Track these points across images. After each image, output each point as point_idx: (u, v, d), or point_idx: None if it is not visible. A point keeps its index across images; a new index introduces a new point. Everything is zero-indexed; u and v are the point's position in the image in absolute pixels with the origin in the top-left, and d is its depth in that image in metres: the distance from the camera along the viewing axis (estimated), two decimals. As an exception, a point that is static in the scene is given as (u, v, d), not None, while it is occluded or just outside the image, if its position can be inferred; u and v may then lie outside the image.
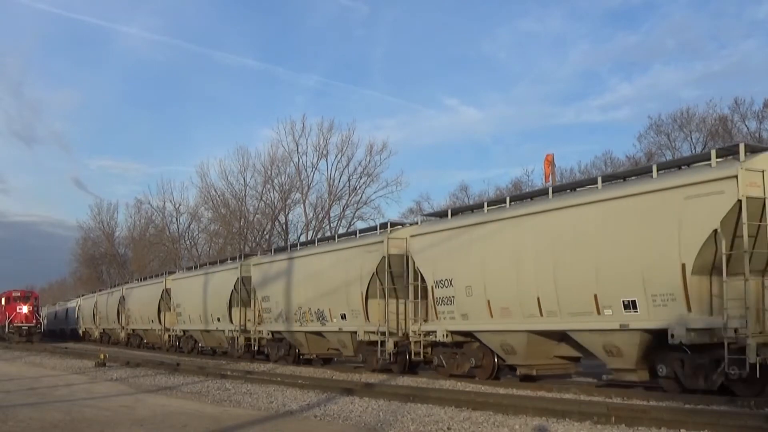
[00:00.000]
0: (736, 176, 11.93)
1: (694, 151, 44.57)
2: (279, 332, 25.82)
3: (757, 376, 11.75)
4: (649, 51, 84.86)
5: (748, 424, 9.14)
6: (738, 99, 44.69)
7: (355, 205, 58.85)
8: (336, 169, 58.47)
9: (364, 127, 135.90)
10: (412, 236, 19.40)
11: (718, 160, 12.78)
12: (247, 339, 28.06)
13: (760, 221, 12.11)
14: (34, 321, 48.59)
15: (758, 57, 72.48)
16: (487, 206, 17.63)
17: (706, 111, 46.27)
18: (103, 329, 50.93)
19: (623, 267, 13.56)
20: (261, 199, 61.44)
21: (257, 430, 10.10)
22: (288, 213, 61.16)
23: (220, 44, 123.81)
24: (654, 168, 13.93)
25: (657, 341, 13.34)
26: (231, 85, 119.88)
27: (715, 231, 12.18)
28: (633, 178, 14.52)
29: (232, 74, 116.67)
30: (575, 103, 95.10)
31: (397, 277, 19.84)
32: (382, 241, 19.98)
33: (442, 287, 17.96)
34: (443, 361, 18.61)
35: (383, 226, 21.36)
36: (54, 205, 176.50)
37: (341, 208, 58.92)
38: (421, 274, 18.77)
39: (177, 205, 71.21)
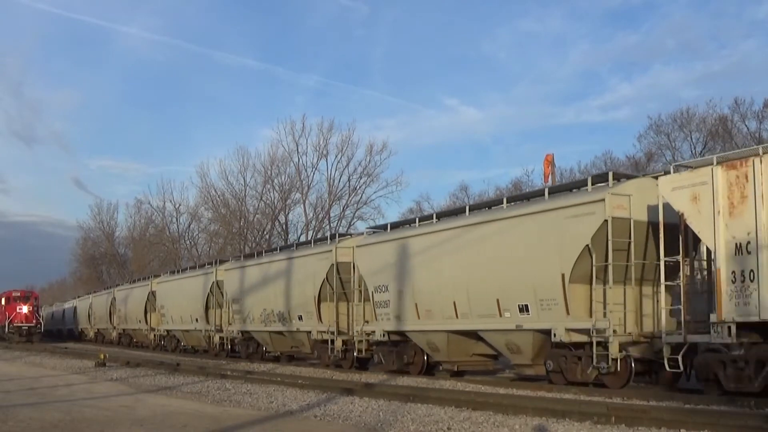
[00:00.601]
0: (604, 200, 14.33)
1: (694, 151, 44.67)
2: (248, 332, 28.15)
3: (619, 370, 14.30)
4: (649, 51, 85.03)
5: (748, 424, 9.15)
6: (738, 99, 44.75)
7: (355, 205, 58.97)
8: (336, 169, 58.58)
9: (364, 127, 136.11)
10: (357, 246, 21.85)
11: (594, 185, 15.30)
12: (222, 338, 30.55)
13: (629, 238, 14.35)
14: (34, 321, 48.59)
15: (758, 57, 72.61)
16: (419, 221, 20.43)
17: (706, 111, 46.34)
18: (98, 329, 52.58)
19: (519, 275, 15.95)
20: (261, 199, 61.55)
21: (257, 430, 10.10)
22: (288, 213, 61.27)
23: (220, 44, 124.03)
24: (546, 191, 16.63)
25: (546, 340, 15.60)
26: (231, 85, 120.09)
27: (587, 246, 14.49)
28: (537, 197, 16.98)
29: (232, 74, 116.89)
30: (575, 103, 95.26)
31: (345, 283, 22.18)
32: (331, 251, 22.46)
33: (380, 292, 20.42)
34: (382, 358, 20.74)
35: (333, 237, 24.04)
36: (54, 205, 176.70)
37: (341, 208, 59.05)
38: (364, 280, 21.11)
39: (177, 205, 71.35)
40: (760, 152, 12.21)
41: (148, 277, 42.68)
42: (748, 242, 12.10)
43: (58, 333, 64.39)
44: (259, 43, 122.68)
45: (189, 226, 71.61)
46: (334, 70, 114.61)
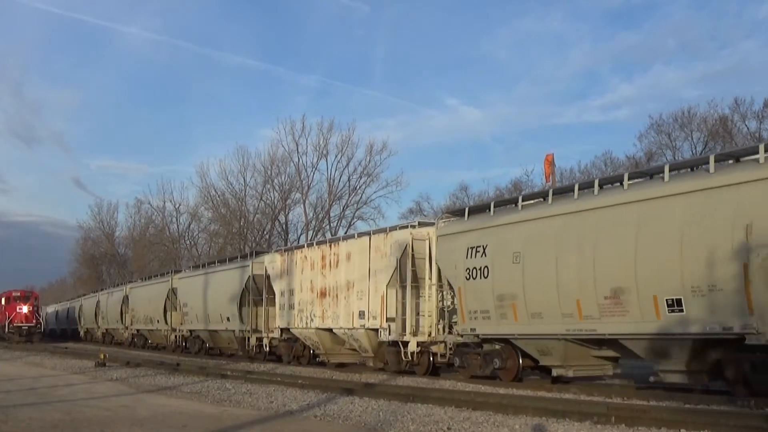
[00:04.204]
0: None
1: (694, 151, 44.64)
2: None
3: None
4: (649, 51, 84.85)
5: (748, 424, 9.15)
6: (738, 99, 44.68)
7: (355, 205, 58.98)
8: (336, 169, 58.57)
9: (364, 127, 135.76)
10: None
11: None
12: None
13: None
14: (34, 321, 48.58)
15: (758, 57, 72.49)
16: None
17: (707, 111, 46.28)
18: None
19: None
20: (261, 199, 61.56)
21: (257, 430, 10.10)
22: (288, 213, 61.28)
23: (221, 44, 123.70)
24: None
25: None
26: (231, 85, 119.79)
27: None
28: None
29: (232, 74, 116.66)
30: (575, 103, 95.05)
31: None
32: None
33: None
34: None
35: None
36: (54, 205, 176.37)
37: (341, 208, 59.06)
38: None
39: (177, 205, 71.32)
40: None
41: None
42: None
43: (61, 333, 63.90)
44: (260, 43, 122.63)
45: (189, 226, 71.68)
46: (334, 69, 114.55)
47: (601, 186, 15.34)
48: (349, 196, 58.80)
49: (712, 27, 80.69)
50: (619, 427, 9.61)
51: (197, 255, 65.82)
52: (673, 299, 13.08)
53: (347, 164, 58.23)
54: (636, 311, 13.70)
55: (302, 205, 59.26)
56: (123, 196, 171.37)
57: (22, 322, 47.78)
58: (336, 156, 58.35)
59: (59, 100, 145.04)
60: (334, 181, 58.51)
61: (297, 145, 58.48)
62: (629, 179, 14.65)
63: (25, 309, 48.29)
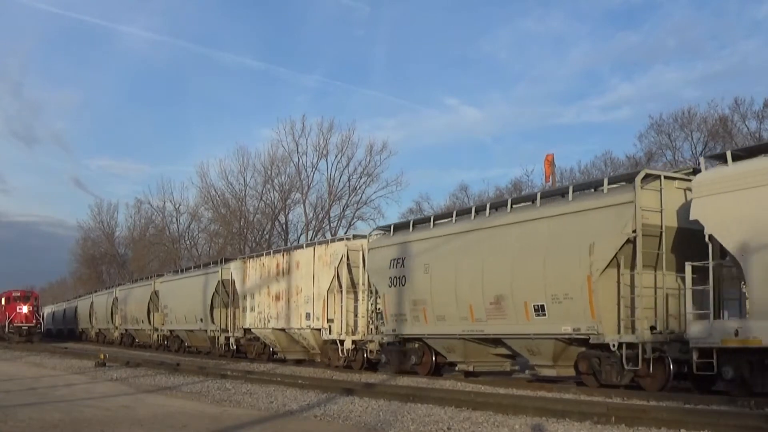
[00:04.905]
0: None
1: (694, 151, 44.67)
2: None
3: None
4: (649, 51, 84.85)
5: (748, 424, 9.15)
6: (738, 99, 44.66)
7: (355, 205, 58.98)
8: (336, 169, 58.58)
9: (364, 127, 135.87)
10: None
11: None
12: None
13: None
14: (34, 321, 48.54)
15: (758, 57, 72.45)
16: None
17: (707, 111, 46.26)
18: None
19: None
20: (261, 199, 61.56)
21: (257, 430, 10.10)
22: (288, 213, 61.29)
23: (220, 44, 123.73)
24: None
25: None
26: (231, 85, 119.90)
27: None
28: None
29: (232, 74, 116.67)
30: (575, 103, 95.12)
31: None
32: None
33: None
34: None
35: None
36: (54, 205, 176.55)
37: (341, 208, 59.06)
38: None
39: (177, 205, 71.37)
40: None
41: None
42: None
43: (60, 333, 63.87)
44: (260, 43, 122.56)
45: (189, 226, 71.71)
46: (334, 70, 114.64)
47: (495, 208, 18.03)
48: (349, 196, 58.89)
49: (712, 27, 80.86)
50: (619, 427, 9.60)
51: (197, 255, 65.86)
52: (538, 305, 15.73)
53: (347, 164, 58.34)
54: (512, 315, 16.38)
55: (302, 205, 59.37)
56: (123, 196, 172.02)
57: (22, 322, 47.73)
58: (336, 156, 58.46)
59: (59, 100, 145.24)
60: (334, 181, 58.60)
61: (297, 145, 58.60)
62: (512, 204, 17.49)
63: (25, 309, 48.22)
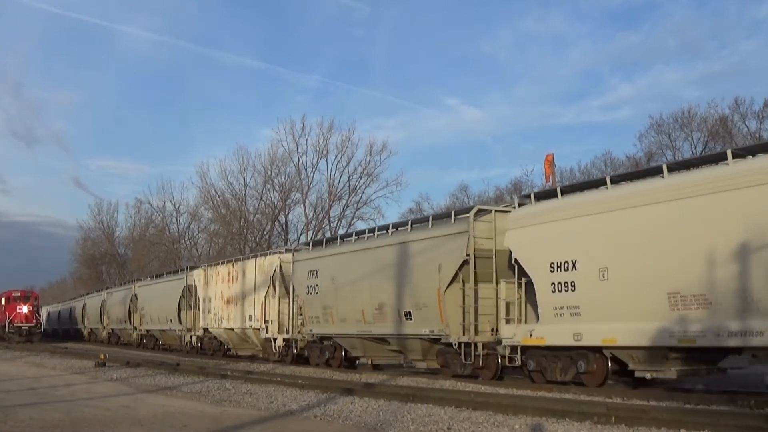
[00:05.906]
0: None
1: (694, 151, 44.65)
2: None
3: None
4: (649, 51, 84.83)
5: (748, 424, 9.15)
6: (738, 99, 44.67)
7: (355, 205, 59.02)
8: (336, 169, 58.63)
9: (364, 127, 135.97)
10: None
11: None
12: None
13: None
14: (34, 321, 48.56)
15: (758, 57, 72.43)
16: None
17: (707, 111, 46.27)
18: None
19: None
20: (261, 199, 61.59)
21: (257, 430, 10.10)
22: (288, 213, 61.34)
23: (220, 44, 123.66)
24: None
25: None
26: (231, 85, 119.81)
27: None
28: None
29: (232, 74, 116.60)
30: (575, 103, 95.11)
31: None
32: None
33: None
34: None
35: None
36: (54, 205, 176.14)
37: (341, 208, 59.10)
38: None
39: (177, 205, 71.41)
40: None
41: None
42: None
43: (63, 333, 63.31)
44: (259, 43, 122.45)
45: (189, 226, 71.73)
46: (334, 70, 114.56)
47: (387, 230, 21.44)
48: (349, 196, 58.92)
49: (712, 27, 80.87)
50: (619, 427, 9.61)
51: (197, 255, 65.85)
52: (407, 311, 19.22)
53: (347, 164, 58.39)
54: (390, 319, 19.90)
55: (302, 205, 59.41)
56: (123, 196, 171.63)
57: (22, 322, 47.74)
58: (336, 156, 58.52)
59: (59, 100, 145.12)
60: (334, 181, 58.64)
61: (297, 145, 58.65)
62: (392, 227, 21.40)
63: (25, 309, 48.23)
